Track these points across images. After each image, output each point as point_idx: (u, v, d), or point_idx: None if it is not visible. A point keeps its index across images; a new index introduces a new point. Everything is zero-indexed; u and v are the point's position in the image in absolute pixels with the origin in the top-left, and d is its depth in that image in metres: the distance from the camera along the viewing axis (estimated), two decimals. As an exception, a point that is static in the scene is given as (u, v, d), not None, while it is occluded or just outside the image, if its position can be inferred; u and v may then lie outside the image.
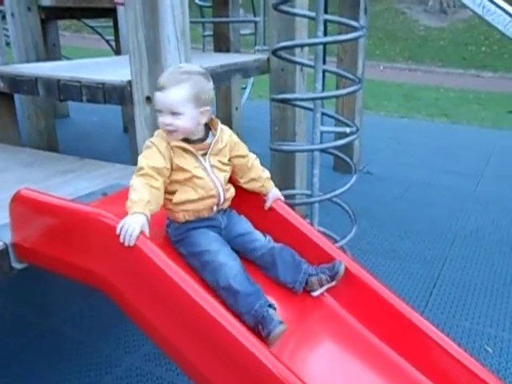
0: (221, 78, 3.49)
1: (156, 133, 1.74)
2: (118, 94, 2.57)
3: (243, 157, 1.92)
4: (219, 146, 1.81)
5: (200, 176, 1.73)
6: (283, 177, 3.88)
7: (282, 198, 2.02)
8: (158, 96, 1.67)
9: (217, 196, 1.79)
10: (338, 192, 3.01)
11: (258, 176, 1.96)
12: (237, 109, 5.16)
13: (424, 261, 3.67)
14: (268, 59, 3.92)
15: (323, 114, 3.34)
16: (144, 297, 1.54)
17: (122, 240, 1.50)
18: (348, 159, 3.44)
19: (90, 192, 2.30)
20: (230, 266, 1.64)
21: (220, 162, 1.82)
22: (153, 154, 1.66)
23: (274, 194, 1.99)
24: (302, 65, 3.63)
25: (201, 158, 1.76)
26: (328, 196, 3.00)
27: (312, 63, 3.11)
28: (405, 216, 4.45)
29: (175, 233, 1.79)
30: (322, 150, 3.22)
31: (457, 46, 15.42)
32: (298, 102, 3.44)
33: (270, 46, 3.99)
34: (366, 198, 4.72)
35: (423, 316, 1.83)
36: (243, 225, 1.88)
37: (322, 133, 3.08)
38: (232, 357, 1.42)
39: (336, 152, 3.47)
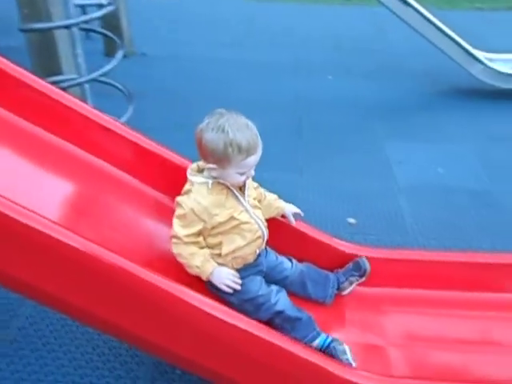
0: None
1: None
2: None
3: (257, 187, 1.83)
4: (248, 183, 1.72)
5: (245, 221, 1.66)
6: (46, 63, 3.56)
7: (299, 211, 1.93)
8: (253, 159, 1.59)
9: (262, 236, 1.72)
10: (104, 70, 2.93)
11: (270, 202, 1.87)
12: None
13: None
14: None
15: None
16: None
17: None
18: (113, 36, 3.32)
19: None
20: (280, 299, 1.70)
21: (254, 198, 1.75)
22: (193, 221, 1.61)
23: (289, 210, 1.91)
24: None
25: (242, 200, 1.67)
26: (95, 75, 2.90)
27: None
28: (184, 92, 4.57)
29: None
30: (83, 29, 3.05)
31: None
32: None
33: None
34: (144, 79, 4.68)
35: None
36: (271, 257, 1.84)
37: (81, 7, 2.88)
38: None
39: (101, 30, 3.31)
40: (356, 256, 1.96)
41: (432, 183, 3.22)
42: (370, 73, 5.15)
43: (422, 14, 4.25)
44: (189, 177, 1.66)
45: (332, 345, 1.63)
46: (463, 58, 4.38)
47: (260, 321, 1.54)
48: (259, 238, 1.70)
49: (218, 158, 1.55)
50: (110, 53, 4.99)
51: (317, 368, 1.46)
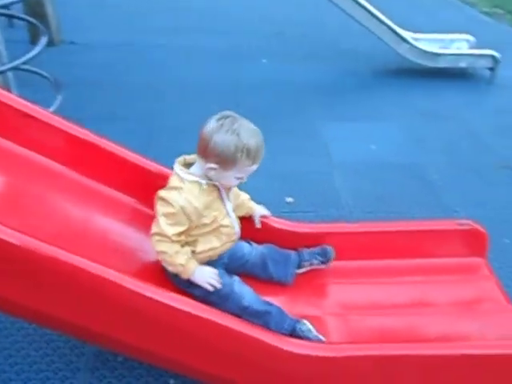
0: None
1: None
2: None
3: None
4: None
5: (226, 225, 1.69)
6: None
7: (268, 213, 1.94)
8: (254, 168, 1.64)
9: (236, 239, 1.76)
10: (26, 57, 2.79)
11: (244, 202, 1.87)
12: None
13: (141, 115, 3.83)
14: None
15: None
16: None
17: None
18: (35, 21, 3.17)
19: None
20: (244, 292, 1.67)
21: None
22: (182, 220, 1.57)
23: (259, 212, 1.92)
24: None
25: (227, 203, 1.69)
26: (16, 63, 2.77)
27: None
28: (116, 80, 4.46)
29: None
30: (3, 15, 2.89)
31: None
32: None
33: None
34: (73, 68, 4.51)
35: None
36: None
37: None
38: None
39: (23, 16, 3.16)
40: (297, 233, 2.01)
41: (365, 159, 3.33)
42: (305, 56, 5.22)
43: (350, -4, 4.34)
44: (179, 172, 1.61)
45: (297, 327, 1.64)
46: (391, 38, 4.52)
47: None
48: (233, 240, 1.75)
49: (225, 159, 1.54)
50: (35, 41, 4.76)
51: (255, 341, 1.48)
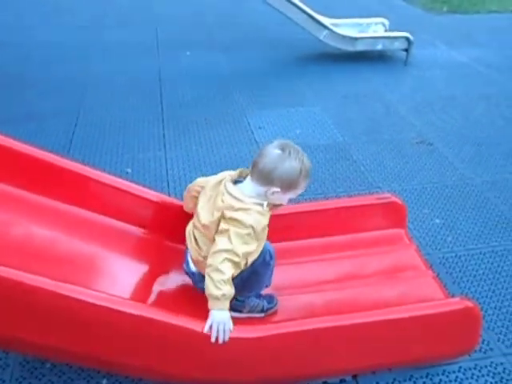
0: None
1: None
2: None
3: None
4: None
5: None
6: None
7: None
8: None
9: None
10: None
11: None
12: None
13: (61, 114, 3.70)
14: None
15: None
16: None
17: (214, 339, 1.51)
18: None
19: None
20: None
21: None
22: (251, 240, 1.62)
23: None
24: None
25: None
26: None
27: None
28: (31, 78, 4.28)
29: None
30: None
31: None
32: None
33: None
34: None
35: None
36: None
37: None
38: None
39: None
40: None
41: (292, 144, 3.39)
42: (228, 46, 5.23)
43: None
44: (237, 195, 1.66)
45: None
46: (311, 26, 4.61)
47: None
48: None
49: (288, 183, 1.67)
50: None
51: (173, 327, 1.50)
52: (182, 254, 1.88)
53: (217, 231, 1.63)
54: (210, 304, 1.53)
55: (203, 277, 1.61)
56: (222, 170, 3.07)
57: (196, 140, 3.44)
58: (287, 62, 4.89)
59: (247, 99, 4.05)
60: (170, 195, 2.79)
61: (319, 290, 2.00)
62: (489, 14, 6.87)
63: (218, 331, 1.50)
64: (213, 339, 1.50)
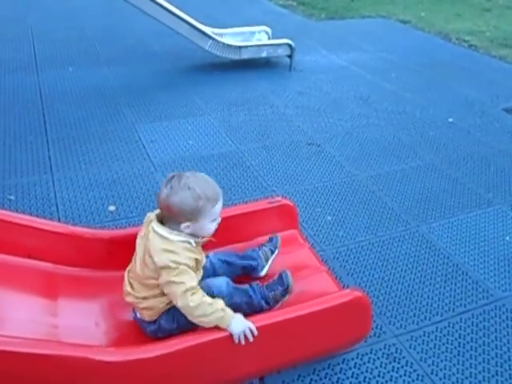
0: None
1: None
2: None
3: None
4: None
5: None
6: None
7: None
8: (220, 205, 1.73)
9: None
10: None
11: None
12: None
13: None
14: None
15: None
16: None
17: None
18: None
19: None
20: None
21: None
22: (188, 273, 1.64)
23: None
24: None
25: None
26: None
27: None
28: None
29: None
30: None
31: None
32: None
33: None
34: None
35: None
36: None
37: None
38: None
39: None
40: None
41: (185, 155, 3.39)
42: (112, 60, 5.09)
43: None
44: (165, 234, 1.65)
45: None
46: (195, 36, 4.63)
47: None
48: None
49: (191, 213, 1.64)
50: None
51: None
52: (74, 279, 1.80)
53: (155, 278, 1.65)
54: (222, 327, 1.61)
55: (147, 323, 1.74)
56: (115, 188, 3.04)
57: (85, 159, 3.32)
58: (176, 73, 4.88)
59: (136, 113, 3.98)
60: (59, 220, 2.66)
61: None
62: (363, 19, 7.39)
63: (245, 337, 1.61)
64: (243, 342, 1.62)
